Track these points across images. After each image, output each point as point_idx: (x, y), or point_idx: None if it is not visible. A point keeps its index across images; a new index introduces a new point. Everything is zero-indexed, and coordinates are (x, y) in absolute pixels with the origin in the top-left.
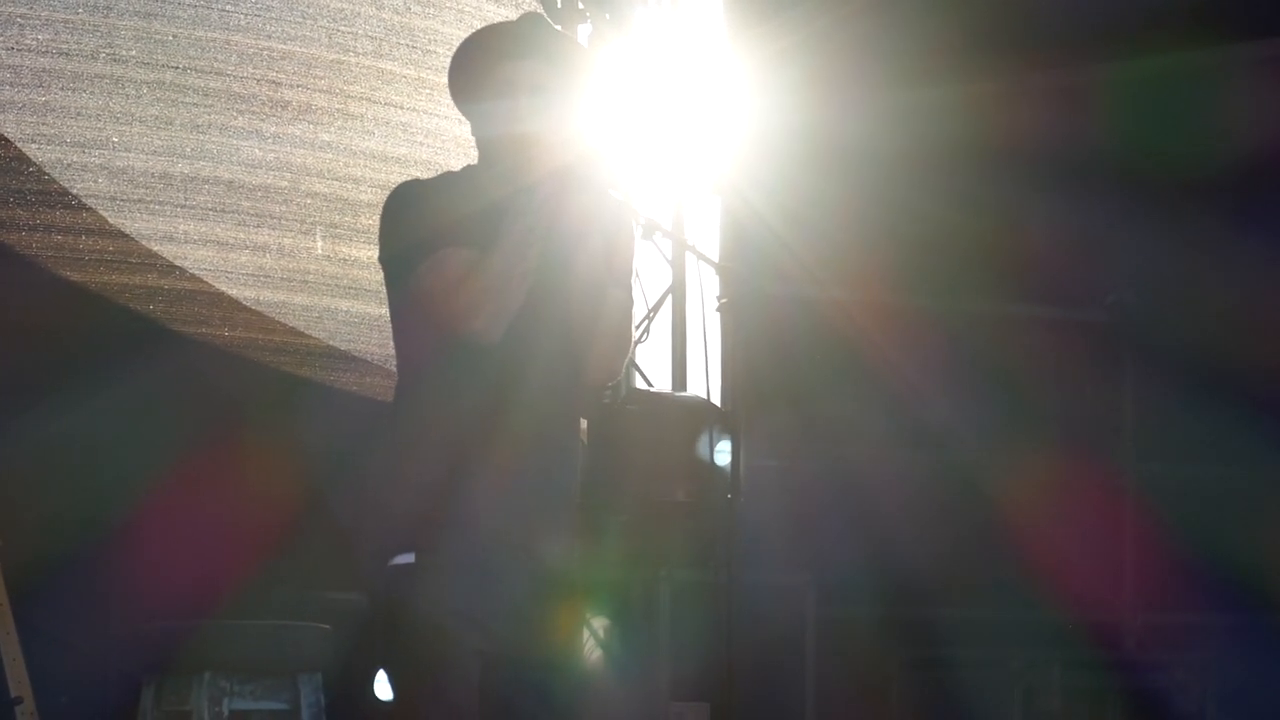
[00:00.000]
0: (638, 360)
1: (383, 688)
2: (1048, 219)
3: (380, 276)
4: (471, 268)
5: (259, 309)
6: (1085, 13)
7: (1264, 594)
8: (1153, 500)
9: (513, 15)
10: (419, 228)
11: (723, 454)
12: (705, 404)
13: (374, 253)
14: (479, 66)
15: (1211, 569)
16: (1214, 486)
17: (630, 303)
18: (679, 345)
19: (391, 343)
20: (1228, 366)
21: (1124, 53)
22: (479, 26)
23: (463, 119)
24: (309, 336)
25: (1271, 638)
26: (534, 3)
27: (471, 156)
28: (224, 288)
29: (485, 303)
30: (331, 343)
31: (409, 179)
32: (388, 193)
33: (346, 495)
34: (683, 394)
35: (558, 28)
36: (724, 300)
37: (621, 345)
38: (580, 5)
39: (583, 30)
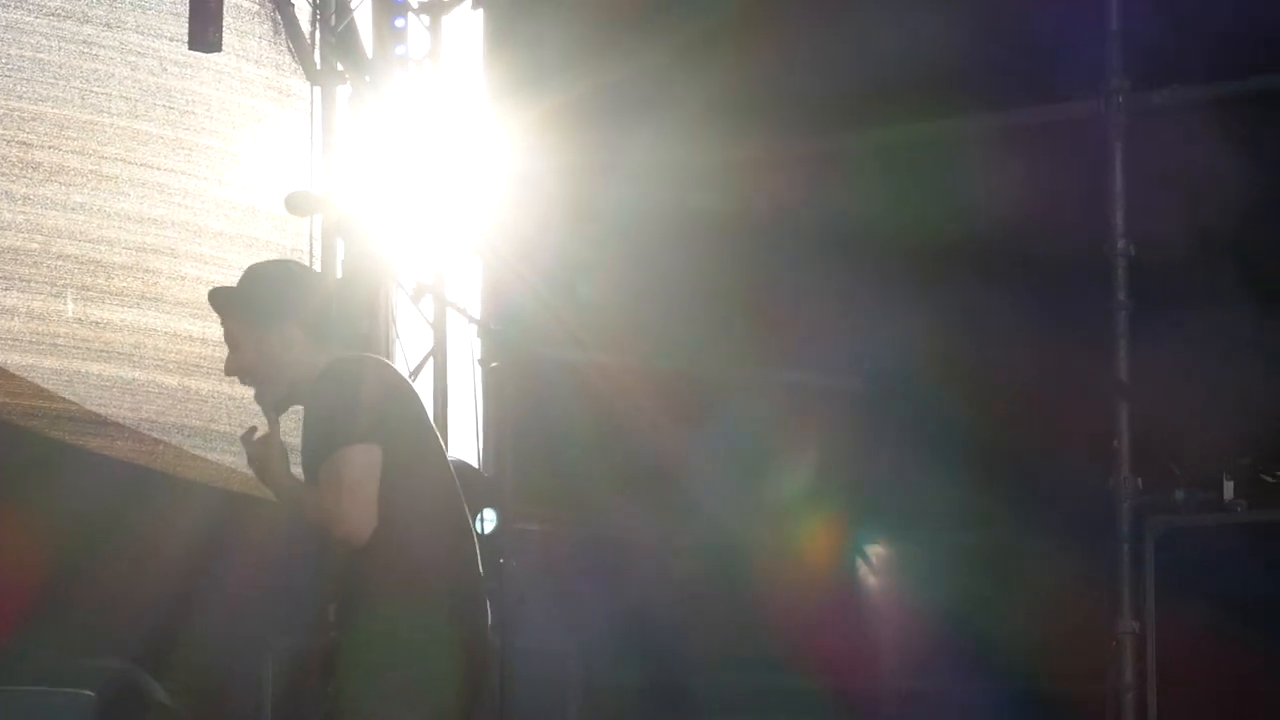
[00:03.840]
0: None
1: None
2: (806, 286)
3: (132, 339)
4: None
5: (8, 373)
6: (843, 81)
7: (1016, 661)
8: (908, 567)
9: (271, 76)
10: None
11: (488, 522)
12: (470, 470)
13: (126, 315)
14: None
15: (968, 636)
16: (969, 553)
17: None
18: (440, 408)
19: (144, 406)
20: (980, 434)
21: (881, 121)
22: (236, 87)
23: (221, 180)
24: (60, 400)
25: (1020, 705)
26: (292, 62)
27: (233, 219)
28: None
29: None
30: (86, 405)
31: None
32: (142, 253)
33: (103, 559)
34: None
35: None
36: (495, 364)
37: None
38: (340, 67)
39: (342, 92)
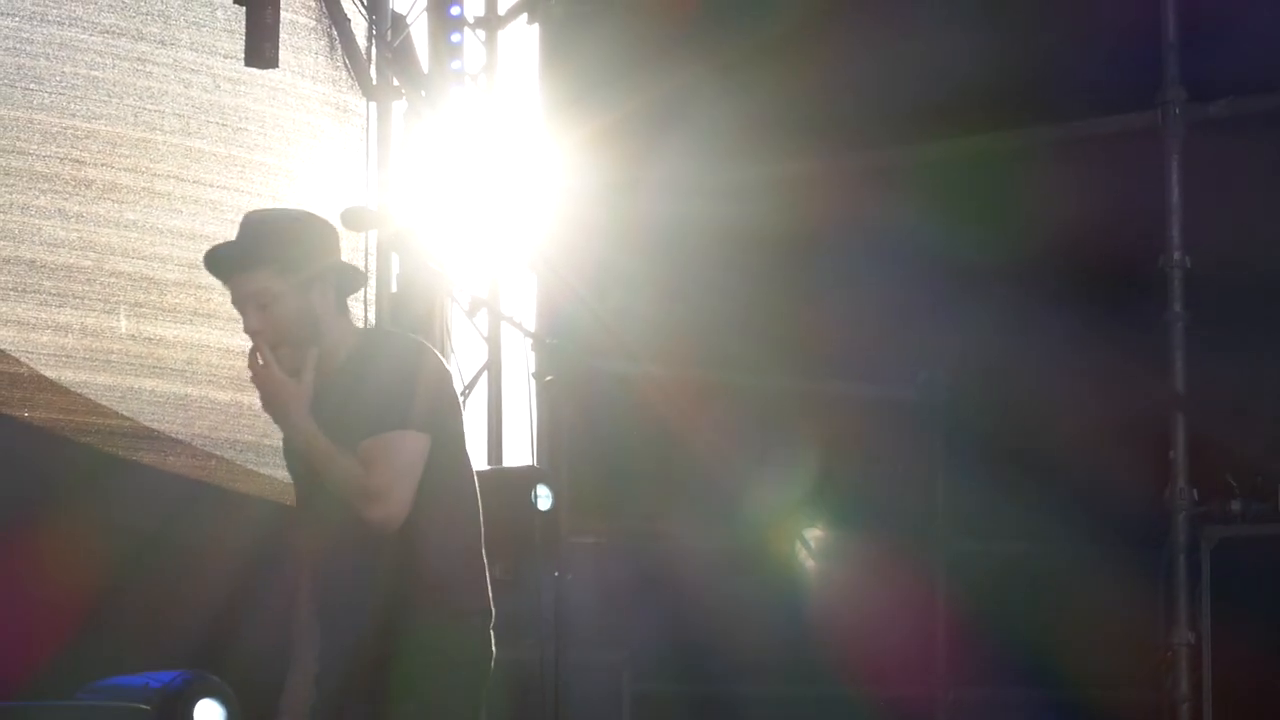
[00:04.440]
0: None
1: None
2: (858, 299)
3: (185, 355)
4: None
5: (62, 388)
6: (895, 95)
7: (1070, 671)
8: (962, 577)
9: (327, 92)
10: None
11: (543, 500)
12: (529, 468)
13: (179, 331)
14: (218, 276)
15: (1020, 645)
16: (1020, 564)
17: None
18: (495, 422)
19: (197, 421)
20: (1034, 445)
21: (933, 135)
22: (292, 103)
23: (275, 196)
24: (114, 415)
25: (1074, 715)
26: (348, 78)
27: None
28: (25, 368)
29: None
30: (139, 420)
31: None
32: (194, 270)
33: (157, 573)
34: (502, 466)
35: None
36: (550, 378)
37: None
38: (396, 82)
39: (398, 107)
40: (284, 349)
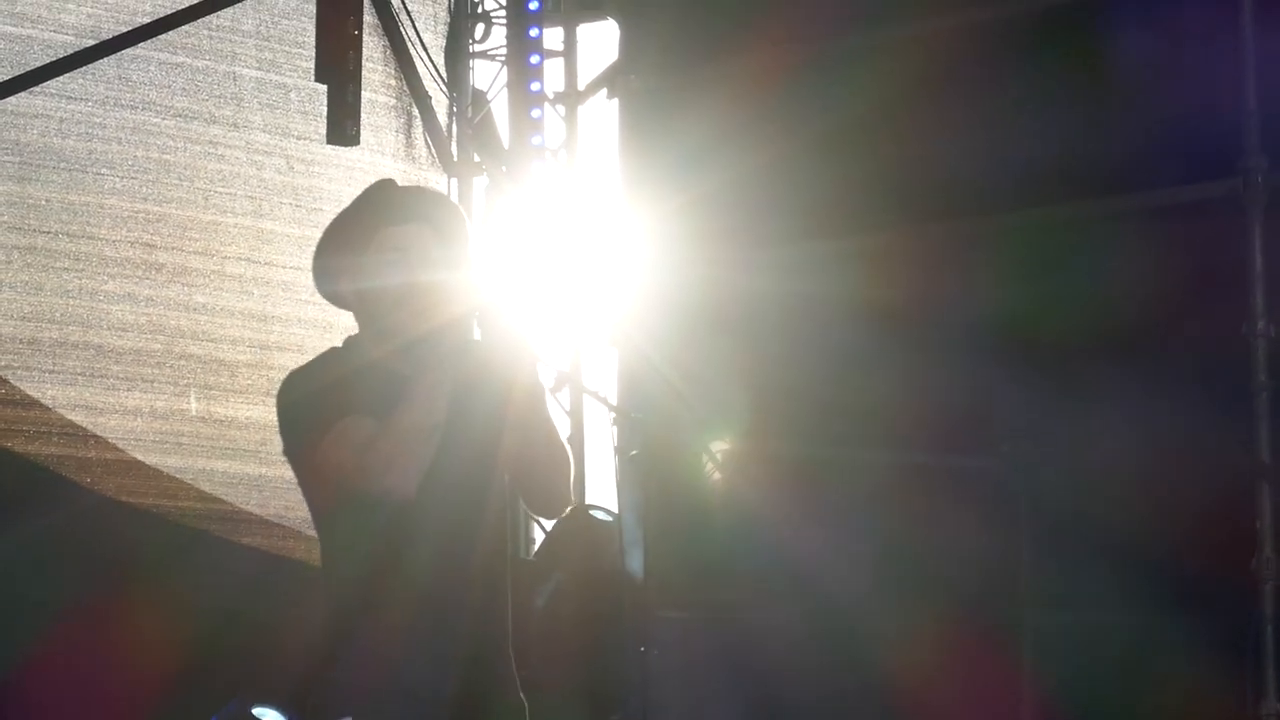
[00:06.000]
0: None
1: None
2: (940, 369)
3: (258, 436)
4: (376, 431)
5: (139, 466)
6: (975, 167)
7: None
8: (1047, 649)
9: (406, 169)
10: (312, 410)
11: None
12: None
13: (251, 412)
14: (364, 226)
15: (1105, 717)
16: (1105, 635)
17: (550, 441)
18: (578, 496)
19: (272, 501)
20: (1117, 516)
21: (1011, 206)
22: (368, 183)
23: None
24: (189, 495)
25: None
26: (428, 154)
27: None
28: (92, 452)
29: (396, 460)
30: (214, 496)
31: (292, 370)
32: (266, 351)
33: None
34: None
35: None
36: (634, 452)
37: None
38: (476, 158)
39: (479, 183)
40: (407, 312)
